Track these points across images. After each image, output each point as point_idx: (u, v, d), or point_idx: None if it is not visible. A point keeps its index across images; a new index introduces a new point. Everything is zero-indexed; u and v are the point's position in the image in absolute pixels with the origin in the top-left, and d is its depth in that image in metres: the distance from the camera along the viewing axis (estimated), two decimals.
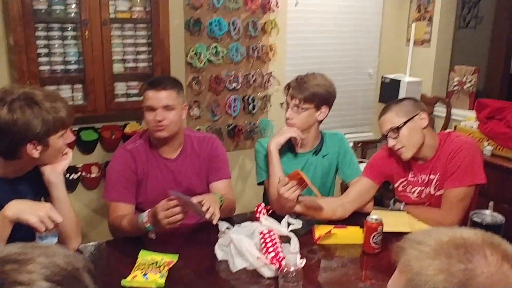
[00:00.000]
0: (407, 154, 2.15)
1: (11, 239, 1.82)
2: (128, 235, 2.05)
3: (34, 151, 1.67)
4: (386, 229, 1.93)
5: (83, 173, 3.11)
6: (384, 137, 2.18)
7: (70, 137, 1.80)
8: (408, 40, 4.01)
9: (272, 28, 3.54)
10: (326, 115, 2.36)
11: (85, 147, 3.12)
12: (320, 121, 2.38)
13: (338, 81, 3.77)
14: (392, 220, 2.11)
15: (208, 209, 1.88)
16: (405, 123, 2.11)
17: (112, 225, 2.16)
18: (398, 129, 2.11)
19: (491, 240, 0.85)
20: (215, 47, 3.35)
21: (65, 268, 0.66)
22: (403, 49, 4.09)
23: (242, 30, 3.43)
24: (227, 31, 3.36)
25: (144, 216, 1.93)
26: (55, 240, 1.72)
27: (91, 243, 2.05)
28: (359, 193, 2.26)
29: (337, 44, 3.97)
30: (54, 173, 1.80)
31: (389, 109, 2.16)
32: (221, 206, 2.07)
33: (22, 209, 1.60)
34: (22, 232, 1.86)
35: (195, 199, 1.90)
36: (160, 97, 2.12)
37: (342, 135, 2.51)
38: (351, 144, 3.95)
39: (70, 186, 3.07)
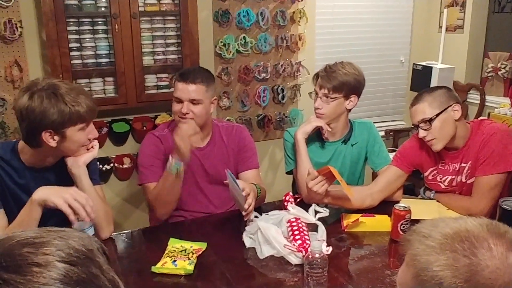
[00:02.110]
0: (438, 146, 2.10)
1: None
2: (167, 196, 2.10)
3: (50, 140, 1.73)
4: (415, 217, 1.90)
5: (116, 164, 3.18)
6: (415, 127, 2.14)
7: (94, 132, 1.85)
8: (440, 27, 3.92)
9: (301, 17, 3.52)
10: (355, 104, 2.34)
11: (117, 139, 3.19)
12: (349, 110, 2.36)
13: (369, 69, 3.79)
14: (421, 208, 2.08)
15: (248, 207, 1.93)
16: (437, 115, 2.05)
17: (152, 203, 2.18)
18: (430, 120, 2.05)
19: (497, 230, 0.84)
20: (244, 37, 3.36)
21: (80, 250, 0.69)
22: (435, 36, 4.01)
23: (271, 20, 3.43)
24: (256, 22, 3.36)
25: (170, 159, 2.03)
26: (92, 231, 1.79)
27: (123, 232, 2.11)
28: (388, 182, 2.24)
29: (367, 32, 3.91)
30: (75, 165, 1.85)
31: (422, 99, 2.10)
32: (257, 198, 2.09)
33: (48, 193, 1.69)
34: (54, 221, 1.94)
35: (243, 192, 1.92)
36: (188, 89, 2.13)
37: (371, 123, 2.49)
38: (383, 133, 3.92)
39: (103, 177, 3.15)
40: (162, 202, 2.13)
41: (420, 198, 2.31)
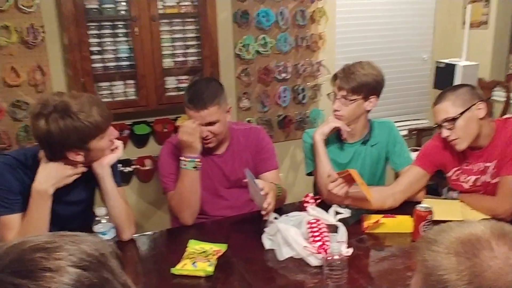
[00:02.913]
0: (461, 146, 2.05)
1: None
2: (189, 195, 2.11)
3: (77, 157, 1.76)
4: (437, 217, 1.86)
5: (137, 166, 3.21)
6: (438, 126, 2.09)
7: (114, 133, 1.85)
8: (464, 23, 3.84)
9: (321, 16, 3.50)
10: (375, 105, 2.30)
11: (138, 141, 3.22)
12: (369, 111, 2.33)
13: (391, 68, 3.74)
14: (444, 208, 2.03)
15: (267, 206, 1.93)
16: (461, 113, 2.00)
17: (175, 208, 2.16)
18: (453, 120, 2.00)
19: (501, 231, 0.84)
20: (263, 38, 3.35)
21: (92, 254, 0.69)
22: (459, 32, 3.93)
23: (290, 20, 3.41)
24: (275, 22, 3.35)
25: (183, 159, 2.08)
26: (113, 232, 1.80)
27: (144, 233, 2.12)
28: (410, 182, 2.20)
29: (389, 30, 3.86)
30: (99, 166, 1.86)
31: (445, 98, 2.05)
32: (277, 198, 2.08)
33: (52, 182, 1.77)
34: (75, 224, 1.97)
35: (262, 191, 1.92)
36: (202, 116, 2.08)
37: (391, 123, 2.45)
38: (405, 132, 3.86)
39: (125, 178, 3.18)
40: (185, 204, 2.12)
41: (443, 198, 2.27)
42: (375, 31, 3.81)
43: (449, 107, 2.03)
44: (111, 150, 1.88)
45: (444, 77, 3.65)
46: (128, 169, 3.17)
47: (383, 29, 3.84)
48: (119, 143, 1.91)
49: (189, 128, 2.06)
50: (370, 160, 2.38)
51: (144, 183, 3.31)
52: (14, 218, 1.81)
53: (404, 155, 2.36)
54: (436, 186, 2.64)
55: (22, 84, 2.88)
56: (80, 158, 1.76)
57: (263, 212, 1.95)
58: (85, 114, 1.69)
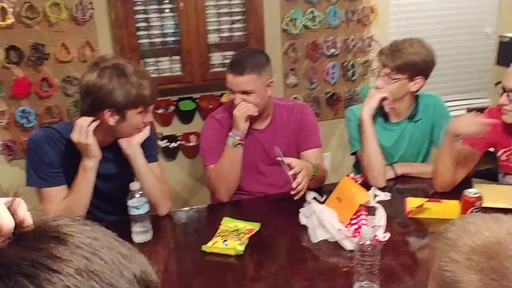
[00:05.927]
0: (511, 119, 1.93)
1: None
2: (227, 172, 2.10)
3: (110, 118, 1.76)
4: (487, 204, 1.74)
5: (183, 142, 3.22)
6: (502, 89, 1.92)
7: (149, 117, 1.86)
8: None
9: None
10: (422, 86, 2.18)
11: (184, 117, 3.22)
12: (415, 92, 2.20)
13: (450, 43, 3.56)
14: (495, 194, 1.90)
15: (296, 186, 1.89)
16: None
17: (213, 183, 2.14)
18: None
19: None
20: (312, 11, 3.23)
21: None
22: None
23: None
24: None
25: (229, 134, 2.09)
26: (147, 207, 1.81)
27: (180, 210, 2.11)
28: (465, 160, 2.07)
29: (448, 1, 3.62)
30: (129, 146, 1.87)
31: None
32: (313, 177, 2.02)
33: None
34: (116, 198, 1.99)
35: (291, 171, 1.89)
36: (237, 82, 2.04)
37: (437, 96, 2.32)
38: (464, 112, 3.64)
39: (171, 154, 3.22)
40: (223, 180, 2.11)
41: (496, 184, 2.12)
42: (432, 3, 3.58)
43: None
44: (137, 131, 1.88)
45: (508, 53, 3.41)
46: (173, 144, 3.20)
47: (441, 1, 3.60)
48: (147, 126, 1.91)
49: (244, 106, 2.05)
50: (415, 138, 2.28)
51: (189, 159, 3.32)
52: (54, 191, 1.85)
53: None
54: (496, 170, 2.48)
55: (73, 60, 2.94)
56: (112, 121, 1.77)
57: (292, 192, 1.89)
58: (137, 80, 1.74)
